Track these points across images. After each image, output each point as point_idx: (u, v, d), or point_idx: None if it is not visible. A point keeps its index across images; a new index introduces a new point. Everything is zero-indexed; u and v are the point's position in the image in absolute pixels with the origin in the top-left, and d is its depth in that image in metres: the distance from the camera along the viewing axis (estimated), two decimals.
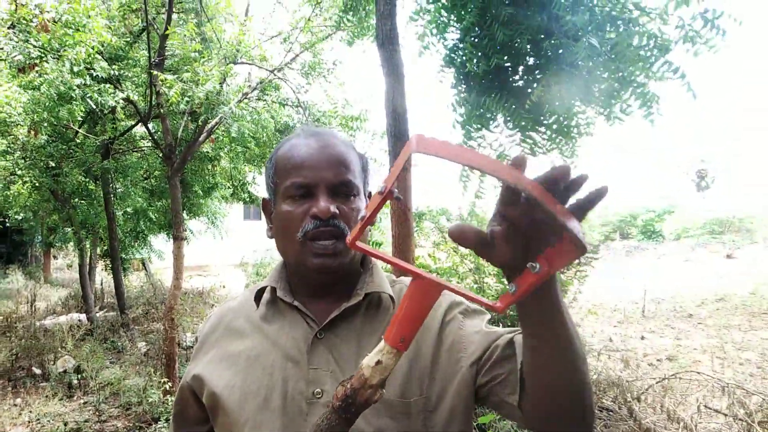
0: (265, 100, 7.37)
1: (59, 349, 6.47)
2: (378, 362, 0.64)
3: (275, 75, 6.69)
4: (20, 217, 14.64)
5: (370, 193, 1.04)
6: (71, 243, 10.69)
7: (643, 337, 7.50)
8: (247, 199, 11.13)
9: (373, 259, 1.04)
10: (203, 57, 5.92)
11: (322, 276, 0.95)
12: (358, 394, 0.65)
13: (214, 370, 0.96)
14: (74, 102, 5.88)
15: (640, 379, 4.58)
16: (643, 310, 9.32)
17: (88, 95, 5.54)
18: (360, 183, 0.98)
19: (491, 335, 0.91)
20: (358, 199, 0.96)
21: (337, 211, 0.90)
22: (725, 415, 3.73)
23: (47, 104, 6.22)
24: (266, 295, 1.02)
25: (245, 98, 6.26)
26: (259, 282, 1.07)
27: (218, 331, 1.03)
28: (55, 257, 22.85)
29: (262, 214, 1.08)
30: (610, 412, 3.84)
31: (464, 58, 4.04)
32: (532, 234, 0.59)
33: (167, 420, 4.50)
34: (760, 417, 3.39)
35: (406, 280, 1.05)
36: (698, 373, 4.18)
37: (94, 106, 6.33)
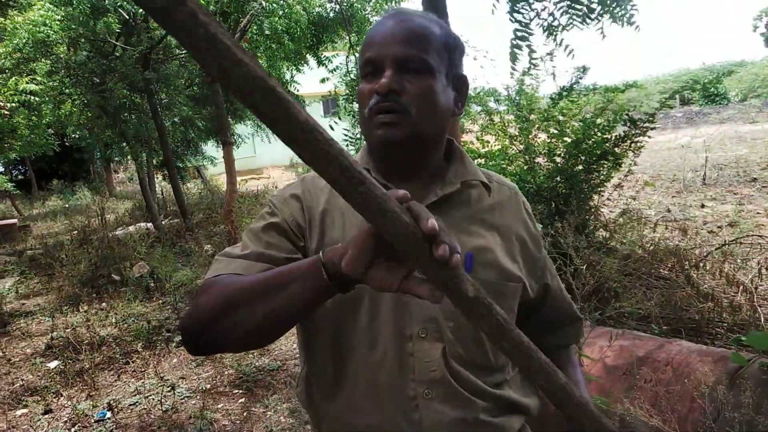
0: None
1: (133, 256, 6.89)
2: None
3: None
4: (77, 136, 15.18)
5: (463, 76, 1.00)
6: (128, 156, 11.05)
7: (703, 206, 7.30)
8: None
9: (461, 149, 1.04)
10: None
11: (388, 149, 0.93)
12: None
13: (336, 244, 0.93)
14: (109, 14, 5.84)
15: (699, 247, 4.50)
16: (704, 177, 8.99)
17: (119, 5, 5.47)
18: (437, 61, 0.91)
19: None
20: (431, 77, 0.90)
21: (398, 87, 0.87)
22: None
23: (82, 19, 6.20)
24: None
25: None
26: None
27: (326, 206, 0.99)
28: (116, 171, 23.85)
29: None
30: (667, 281, 3.84)
31: None
32: None
33: None
34: None
35: (495, 176, 1.09)
36: (759, 236, 4.07)
37: (127, 16, 6.27)
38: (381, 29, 0.91)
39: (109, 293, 5.93)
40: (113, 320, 5.06)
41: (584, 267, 2.70)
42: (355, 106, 6.18)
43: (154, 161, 11.37)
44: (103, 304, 5.66)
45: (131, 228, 9.54)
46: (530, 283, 1.02)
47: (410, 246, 0.54)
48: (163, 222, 9.71)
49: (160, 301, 5.61)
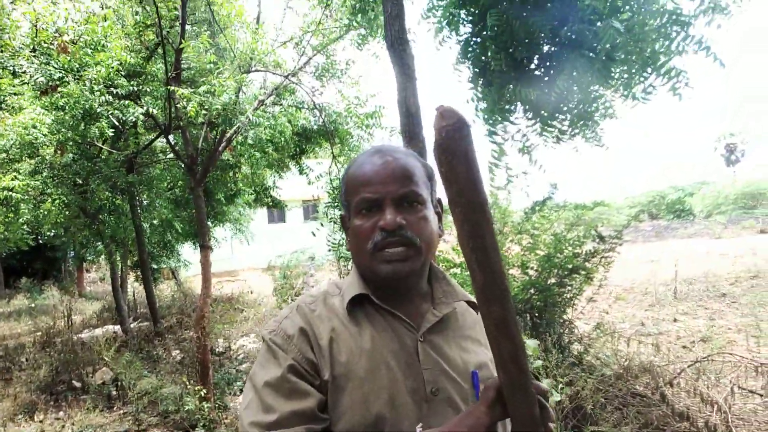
0: (281, 104, 7.43)
1: (97, 361, 6.64)
2: None
3: (290, 80, 6.74)
4: (52, 234, 15.01)
5: (439, 200, 1.11)
6: (102, 257, 10.93)
7: (675, 320, 7.38)
8: (270, 203, 11.24)
9: (440, 269, 1.13)
10: (218, 68, 6.00)
11: (394, 282, 1.00)
12: None
13: (348, 373, 0.98)
14: (101, 119, 6.03)
15: (673, 363, 4.52)
16: (674, 291, 9.16)
17: (110, 112, 5.67)
18: (425, 192, 1.04)
19: None
20: (424, 208, 1.02)
21: (404, 222, 0.97)
22: (760, 395, 3.67)
23: (72, 123, 6.38)
24: (347, 301, 1.04)
25: (261, 105, 6.33)
26: (320, 287, 1.13)
27: (332, 334, 1.01)
28: (87, 271, 23.38)
29: (341, 229, 1.19)
30: (643, 398, 3.81)
31: (480, 52, 4.04)
32: None
33: (204, 426, 4.60)
34: None
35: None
36: (731, 354, 4.12)
37: (117, 123, 6.47)
38: (372, 169, 1.01)
39: (68, 401, 5.64)
40: (69, 431, 4.78)
41: (560, 388, 2.69)
42: (335, 211, 6.32)
43: (129, 262, 11.24)
44: (61, 413, 5.36)
45: (98, 331, 9.26)
46: None
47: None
48: (132, 325, 9.44)
49: (122, 411, 5.35)
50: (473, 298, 1.05)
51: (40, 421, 5.08)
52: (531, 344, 2.86)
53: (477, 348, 1.06)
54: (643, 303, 8.82)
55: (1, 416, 5.33)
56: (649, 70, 3.87)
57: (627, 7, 3.77)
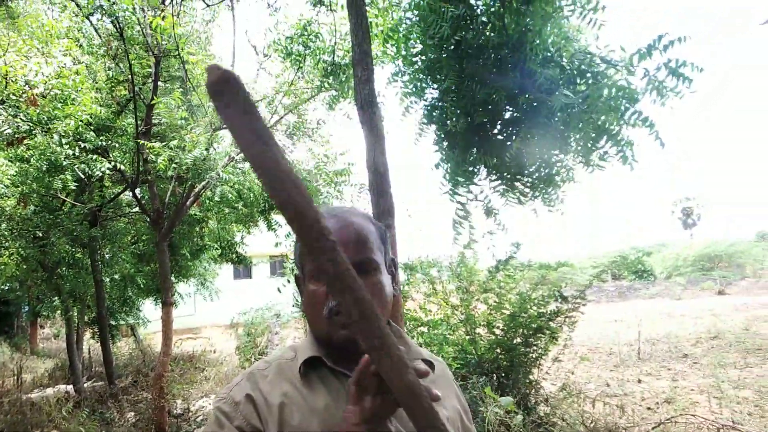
0: None
1: (46, 423, 6.29)
2: None
3: None
4: (6, 288, 14.46)
5: (392, 260, 1.13)
6: (58, 312, 10.56)
7: (640, 380, 7.44)
8: (236, 259, 11.10)
9: (399, 329, 1.12)
10: (189, 124, 6.05)
11: (350, 347, 0.99)
12: None
13: None
14: (67, 172, 5.96)
15: (638, 426, 4.53)
16: (638, 352, 9.27)
17: (76, 166, 5.62)
18: (380, 256, 1.05)
19: None
20: (378, 272, 1.03)
21: None
22: None
23: (36, 175, 6.29)
24: (300, 364, 1.04)
25: (232, 162, 6.37)
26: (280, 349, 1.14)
27: (283, 399, 1.01)
28: (42, 327, 22.41)
29: (295, 288, 1.17)
30: None
31: (444, 116, 4.19)
32: None
33: None
34: None
35: (426, 351, 1.16)
36: (693, 416, 4.16)
37: (82, 176, 6.40)
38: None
39: None
40: None
41: None
42: None
43: (86, 317, 10.85)
44: None
45: (49, 390, 8.81)
46: None
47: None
48: (85, 384, 9.03)
49: None
50: (431, 357, 1.08)
51: None
52: (505, 402, 2.84)
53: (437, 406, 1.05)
54: (608, 363, 8.89)
55: None
56: (603, 139, 4.07)
57: (582, 80, 3.99)
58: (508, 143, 4.36)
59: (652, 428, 4.18)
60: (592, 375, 7.90)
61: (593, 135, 4.12)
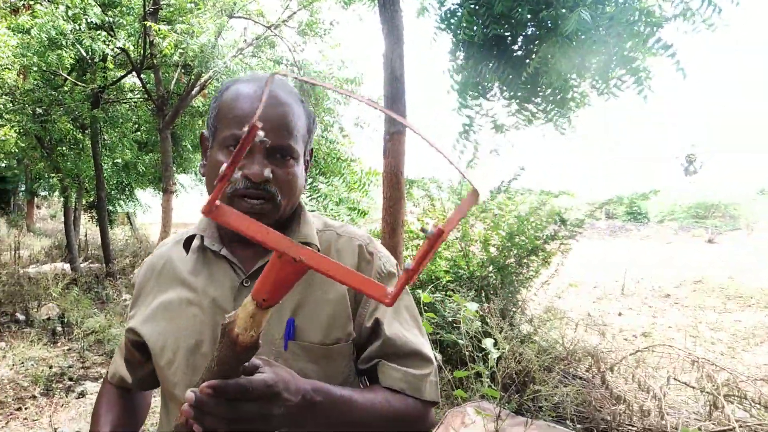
0: (259, 57, 7.27)
1: (43, 296, 6.47)
2: (244, 306, 0.63)
3: (272, 31, 6.59)
4: (4, 165, 14.46)
5: (311, 150, 1.05)
6: (55, 194, 10.61)
7: (620, 314, 7.66)
8: None
9: (303, 207, 1.05)
10: (199, 8, 5.81)
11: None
12: (230, 327, 0.64)
13: (147, 323, 1.01)
14: (64, 48, 5.78)
15: (615, 351, 4.71)
16: (622, 288, 9.49)
17: (80, 41, 5.44)
18: (301, 147, 0.96)
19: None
20: (296, 164, 0.94)
21: (271, 176, 0.88)
22: (693, 387, 3.86)
23: (37, 49, 6.10)
24: (195, 242, 1.02)
25: (240, 53, 6.18)
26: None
27: (152, 280, 1.05)
28: (38, 207, 22.67)
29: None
30: (584, 381, 3.96)
31: (462, 24, 4.03)
32: None
33: None
34: (726, 390, 3.51)
35: (338, 226, 1.08)
36: (671, 347, 4.31)
37: (85, 54, 6.22)
38: (249, 106, 0.91)
39: (11, 332, 5.50)
40: (10, 362, 4.67)
41: (507, 349, 2.77)
42: None
43: (84, 201, 10.92)
44: (2, 343, 5.23)
45: (46, 267, 9.00)
46: (359, 329, 0.99)
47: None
48: (82, 265, 9.23)
49: (66, 347, 5.24)
50: (318, 242, 1.01)
51: None
52: (471, 307, 2.89)
53: (320, 290, 0.96)
54: (591, 295, 9.12)
55: None
56: (621, 66, 3.95)
57: (610, 1, 3.82)
58: (527, 60, 4.22)
59: (630, 354, 4.34)
60: (575, 304, 8.11)
61: (612, 61, 4.00)
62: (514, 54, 4.27)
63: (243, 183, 0.88)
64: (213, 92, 7.11)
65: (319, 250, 0.98)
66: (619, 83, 4.07)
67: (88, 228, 13.02)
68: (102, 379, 1.12)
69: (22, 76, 7.15)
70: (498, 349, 2.72)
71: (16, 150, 9.34)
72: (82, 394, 4.06)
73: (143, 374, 1.10)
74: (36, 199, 19.62)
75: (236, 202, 0.89)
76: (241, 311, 0.63)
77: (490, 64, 4.17)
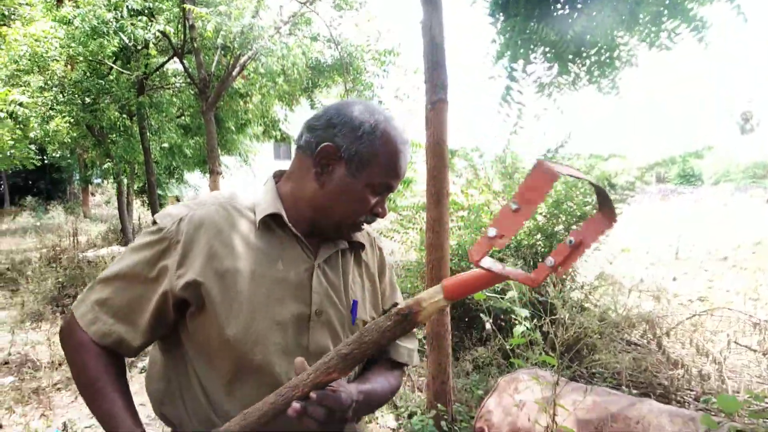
0: (296, 35, 7.25)
1: None
2: (435, 301, 0.76)
3: (307, 7, 6.56)
4: (58, 154, 15.03)
5: None
6: (108, 180, 10.97)
7: (675, 279, 7.44)
8: (279, 137, 11.15)
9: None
10: None
11: (340, 237, 1.12)
12: (414, 315, 0.77)
13: (218, 282, 0.97)
14: (106, 36, 5.90)
15: (670, 316, 4.57)
16: (676, 252, 9.20)
17: (122, 28, 5.55)
18: None
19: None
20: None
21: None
22: (755, 351, 3.74)
23: (81, 39, 6.26)
24: (263, 216, 1.04)
25: (278, 32, 6.18)
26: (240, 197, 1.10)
27: (209, 241, 1.00)
28: (92, 194, 23.54)
29: (319, 158, 1.04)
30: (639, 346, 3.88)
31: None
32: None
33: None
34: None
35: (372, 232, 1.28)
36: (730, 309, 4.17)
37: (128, 41, 6.34)
38: (403, 163, 1.07)
39: None
40: None
41: (566, 317, 2.73)
42: None
43: (135, 186, 11.27)
44: None
45: (103, 251, 9.35)
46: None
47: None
48: None
49: None
50: (365, 240, 1.20)
51: (47, 329, 5.21)
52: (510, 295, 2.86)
53: (360, 278, 1.19)
54: (644, 261, 8.87)
55: (10, 322, 5.46)
56: (675, 17, 3.76)
57: None
58: (570, 20, 4.07)
59: (687, 318, 4.22)
60: (627, 270, 7.92)
61: (665, 12, 3.81)
62: (559, 12, 4.12)
63: (372, 218, 1.10)
64: (252, 73, 7.17)
65: (363, 246, 1.20)
66: (672, 35, 3.88)
67: (140, 212, 13.46)
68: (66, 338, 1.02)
69: (69, 67, 7.37)
70: (542, 318, 2.68)
71: (69, 140, 9.70)
72: (143, 370, 4.24)
73: (158, 336, 1.05)
74: (90, 186, 20.35)
75: (352, 223, 1.08)
76: (428, 304, 0.76)
77: (533, 24, 4.04)
